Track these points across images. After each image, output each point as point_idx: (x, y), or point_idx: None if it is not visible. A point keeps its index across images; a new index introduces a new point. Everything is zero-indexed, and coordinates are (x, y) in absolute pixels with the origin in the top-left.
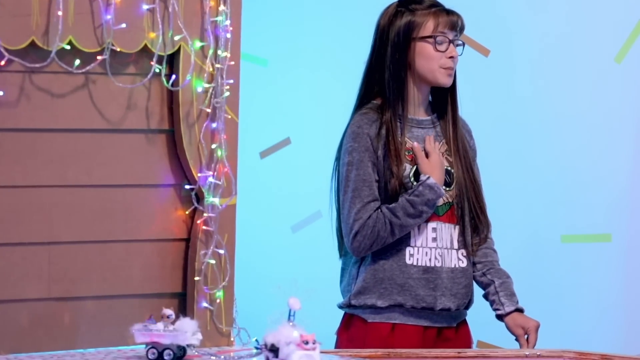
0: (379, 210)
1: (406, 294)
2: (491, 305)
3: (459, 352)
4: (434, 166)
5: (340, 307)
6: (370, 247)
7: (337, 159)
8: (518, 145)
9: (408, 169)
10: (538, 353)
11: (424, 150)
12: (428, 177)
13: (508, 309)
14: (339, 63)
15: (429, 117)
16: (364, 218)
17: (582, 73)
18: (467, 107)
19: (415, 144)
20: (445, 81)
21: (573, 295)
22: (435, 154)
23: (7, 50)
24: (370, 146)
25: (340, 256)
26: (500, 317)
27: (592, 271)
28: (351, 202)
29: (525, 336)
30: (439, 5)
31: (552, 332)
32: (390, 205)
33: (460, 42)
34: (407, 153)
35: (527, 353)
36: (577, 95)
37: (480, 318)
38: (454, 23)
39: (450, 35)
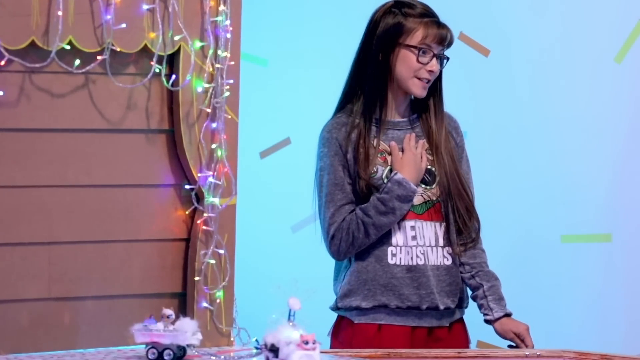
0: (354, 212)
1: (390, 294)
2: (479, 309)
3: (459, 352)
4: (405, 163)
5: (332, 309)
6: (348, 249)
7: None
8: (518, 145)
9: (380, 171)
10: (538, 353)
11: (402, 149)
12: (396, 173)
13: (497, 314)
14: (339, 63)
15: (405, 119)
16: (338, 221)
17: (581, 73)
18: (466, 107)
19: (393, 143)
20: (418, 92)
21: (573, 296)
22: (410, 152)
23: (7, 50)
24: (340, 150)
25: None
26: (488, 322)
27: (592, 271)
28: (325, 206)
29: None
30: (432, 15)
31: (552, 332)
32: (363, 206)
33: (445, 57)
34: (379, 155)
35: (527, 353)
36: (577, 95)
37: (480, 318)
38: (443, 37)
39: (436, 50)
